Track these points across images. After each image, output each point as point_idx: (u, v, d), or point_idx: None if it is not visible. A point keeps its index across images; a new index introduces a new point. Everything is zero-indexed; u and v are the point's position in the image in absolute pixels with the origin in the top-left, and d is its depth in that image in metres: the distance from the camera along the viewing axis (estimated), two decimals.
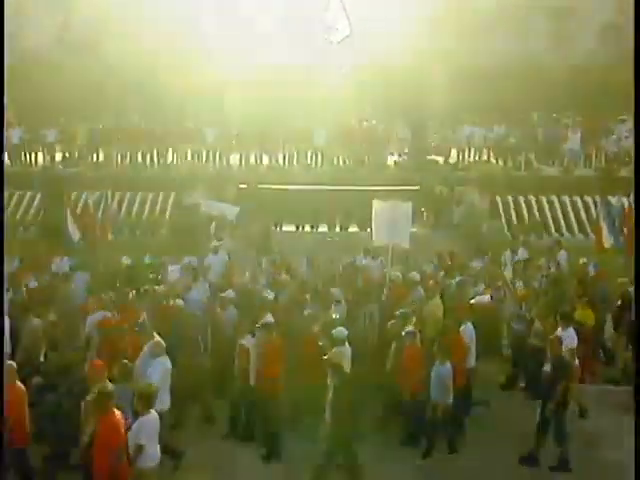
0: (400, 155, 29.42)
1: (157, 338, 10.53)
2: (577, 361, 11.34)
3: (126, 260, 16.34)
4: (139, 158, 27.74)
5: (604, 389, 12.82)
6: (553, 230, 24.64)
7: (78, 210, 20.88)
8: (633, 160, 22.82)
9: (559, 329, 11.46)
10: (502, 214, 25.47)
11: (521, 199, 26.03)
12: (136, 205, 25.91)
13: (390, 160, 28.37)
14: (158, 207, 25.84)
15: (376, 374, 11.43)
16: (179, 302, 12.48)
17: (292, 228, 28.94)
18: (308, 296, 13.18)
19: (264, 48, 33.21)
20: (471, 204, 25.87)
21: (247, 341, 11.10)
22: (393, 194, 17.12)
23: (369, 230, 28.31)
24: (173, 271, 14.99)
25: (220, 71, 38.32)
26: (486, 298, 12.64)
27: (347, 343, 10.88)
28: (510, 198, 26.08)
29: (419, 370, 10.60)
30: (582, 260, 16.17)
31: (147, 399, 8.53)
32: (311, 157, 28.19)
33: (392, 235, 14.89)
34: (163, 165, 27.58)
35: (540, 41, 33.03)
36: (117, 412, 8.39)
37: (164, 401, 9.81)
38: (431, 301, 12.92)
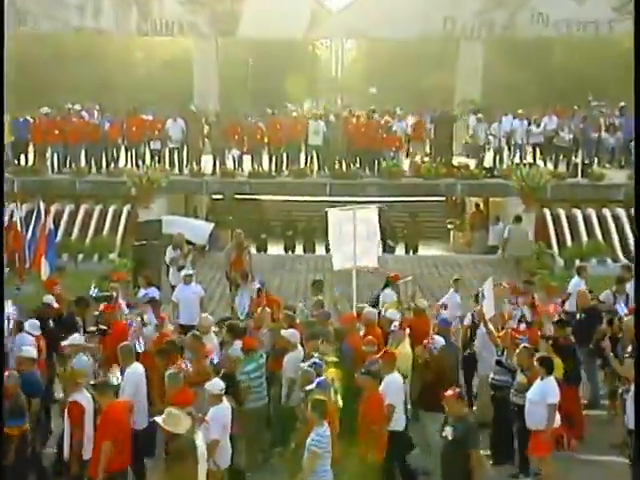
0: (420, 157, 29.62)
1: None
2: (556, 421, 11.49)
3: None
4: (82, 160, 27.92)
5: (597, 461, 12.79)
6: (620, 254, 24.77)
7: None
8: (633, 163, 23.18)
9: (538, 380, 11.63)
10: (552, 232, 25.64)
11: (577, 213, 26.24)
12: (78, 221, 26.09)
13: (407, 163, 28.53)
14: (107, 224, 26.03)
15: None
16: (26, 349, 12.24)
17: (279, 251, 29.12)
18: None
19: (247, 18, 33.48)
20: (512, 220, 25.98)
21: (81, 397, 10.63)
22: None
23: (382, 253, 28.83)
24: None
25: (189, 46, 38.60)
26: (442, 341, 12.73)
27: (225, 399, 10.85)
28: (562, 212, 26.28)
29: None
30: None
31: None
32: (305, 159, 28.38)
33: (356, 255, 15.01)
34: (114, 169, 27.72)
35: (604, 5, 33.23)
36: None
37: None
38: (398, 347, 12.80)
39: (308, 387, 10.89)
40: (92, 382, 10.92)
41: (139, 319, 14.33)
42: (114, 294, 15.87)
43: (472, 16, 33.53)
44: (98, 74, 43.96)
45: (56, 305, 14.98)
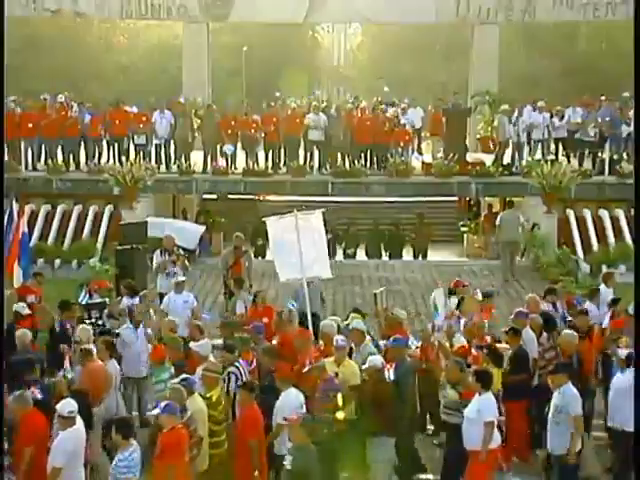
0: (430, 153, 29.62)
1: None
2: (497, 440, 11.45)
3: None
4: (58, 155, 27.95)
5: None
6: None
7: None
8: (633, 160, 23.32)
9: (476, 395, 11.57)
10: (576, 236, 25.65)
11: (605, 214, 26.25)
12: (54, 223, 26.13)
13: (416, 160, 28.53)
14: (87, 226, 26.05)
15: None
16: None
17: None
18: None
19: (241, 0, 33.53)
20: (532, 222, 25.98)
21: None
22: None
23: (384, 257, 28.87)
24: None
25: (178, 32, 38.61)
26: (380, 360, 12.85)
27: (79, 422, 10.65)
28: (588, 213, 26.30)
29: None
30: None
31: None
32: (304, 156, 28.40)
33: (303, 265, 15.11)
34: (94, 166, 27.71)
35: None
36: None
37: None
38: (343, 363, 12.81)
39: (154, 411, 10.83)
40: None
41: None
42: (106, 300, 16.00)
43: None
44: (77, 61, 44.05)
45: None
